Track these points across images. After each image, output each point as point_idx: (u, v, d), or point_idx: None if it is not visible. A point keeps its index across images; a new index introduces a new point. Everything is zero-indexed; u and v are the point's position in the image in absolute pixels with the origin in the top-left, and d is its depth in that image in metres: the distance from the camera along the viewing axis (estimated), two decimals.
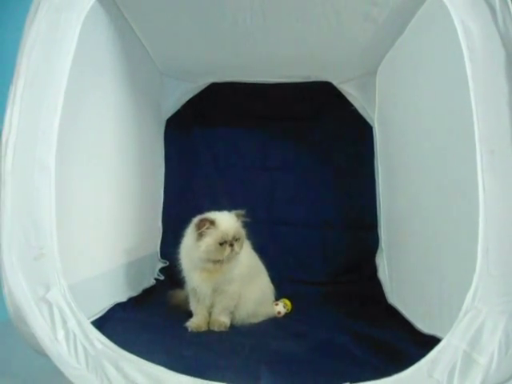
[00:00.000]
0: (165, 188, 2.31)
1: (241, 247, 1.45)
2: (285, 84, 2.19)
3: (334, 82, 2.15)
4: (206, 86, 2.24)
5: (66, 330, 1.04)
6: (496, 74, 1.02)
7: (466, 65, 1.05)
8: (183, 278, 1.53)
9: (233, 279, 1.49)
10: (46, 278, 1.06)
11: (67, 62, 1.14)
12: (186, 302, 1.55)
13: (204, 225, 1.40)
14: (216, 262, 1.42)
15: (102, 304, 1.47)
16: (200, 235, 1.41)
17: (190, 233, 1.47)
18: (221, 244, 1.40)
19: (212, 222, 1.41)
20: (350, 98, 2.16)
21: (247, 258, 1.57)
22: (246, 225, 1.52)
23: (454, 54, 1.10)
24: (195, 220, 1.44)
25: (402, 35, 1.60)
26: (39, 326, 1.03)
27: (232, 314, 1.52)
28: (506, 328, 0.94)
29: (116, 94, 1.64)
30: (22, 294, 1.04)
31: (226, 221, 1.44)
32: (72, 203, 1.27)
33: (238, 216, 1.48)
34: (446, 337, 0.99)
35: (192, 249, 1.44)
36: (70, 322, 1.05)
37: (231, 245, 1.41)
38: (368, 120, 2.14)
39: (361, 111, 2.15)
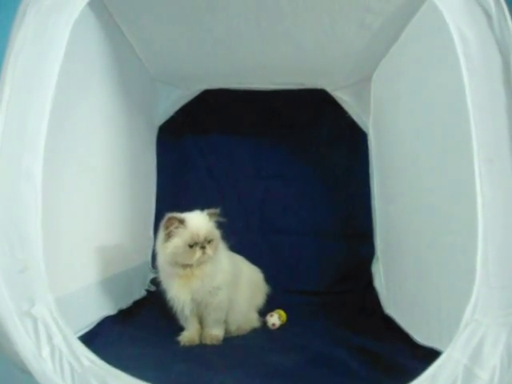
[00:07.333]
0: (157, 196, 2.27)
1: (214, 250, 1.32)
2: (279, 91, 2.17)
3: (329, 89, 2.14)
4: (199, 92, 2.22)
5: (51, 346, 0.99)
6: (493, 81, 1.01)
7: (463, 72, 1.03)
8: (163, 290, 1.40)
9: (215, 290, 1.38)
10: (30, 292, 1.01)
11: (55, 67, 1.10)
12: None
13: (172, 224, 1.29)
14: (185, 266, 1.30)
15: (91, 318, 1.41)
16: (168, 235, 1.29)
17: (159, 233, 1.35)
18: (191, 246, 1.29)
19: (181, 221, 1.29)
20: (344, 106, 2.14)
21: (229, 263, 1.43)
22: (220, 225, 1.38)
23: (449, 60, 1.08)
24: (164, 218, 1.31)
25: (396, 42, 1.59)
26: (23, 342, 0.98)
27: (225, 323, 1.46)
28: (507, 341, 0.91)
29: (107, 100, 1.61)
30: (5, 308, 0.99)
31: (197, 220, 1.32)
32: (59, 213, 1.23)
33: (210, 215, 1.35)
34: (446, 351, 0.96)
35: (159, 251, 1.34)
36: (56, 337, 1.00)
37: (203, 247, 1.30)
38: (362, 127, 2.13)
39: (355, 118, 2.13)
